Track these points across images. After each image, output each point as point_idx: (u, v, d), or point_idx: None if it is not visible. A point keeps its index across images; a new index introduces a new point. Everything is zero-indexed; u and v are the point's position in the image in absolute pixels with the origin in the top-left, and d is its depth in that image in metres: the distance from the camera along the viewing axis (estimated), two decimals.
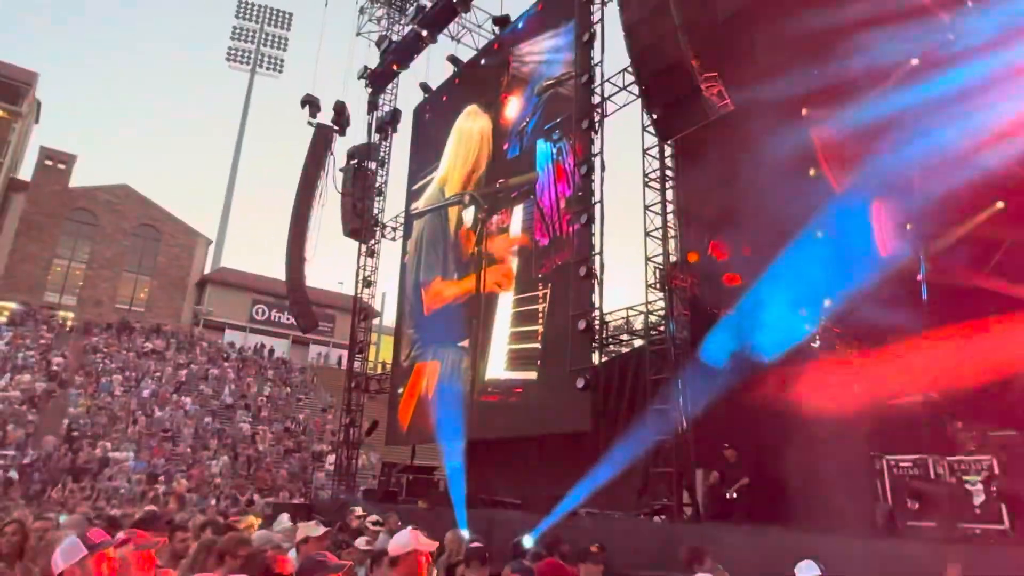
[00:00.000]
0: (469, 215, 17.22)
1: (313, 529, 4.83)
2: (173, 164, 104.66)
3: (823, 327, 12.59)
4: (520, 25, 17.21)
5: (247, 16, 54.07)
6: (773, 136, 11.27)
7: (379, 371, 24.51)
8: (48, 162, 36.45)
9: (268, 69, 54.89)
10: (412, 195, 20.36)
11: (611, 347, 13.62)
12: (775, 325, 11.38)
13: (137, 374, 27.79)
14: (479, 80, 18.52)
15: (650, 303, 11.65)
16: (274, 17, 54.78)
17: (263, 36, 54.39)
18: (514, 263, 15.17)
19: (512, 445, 14.77)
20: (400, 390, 18.51)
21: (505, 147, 16.54)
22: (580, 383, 11.90)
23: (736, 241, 12.12)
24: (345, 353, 26.96)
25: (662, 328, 11.35)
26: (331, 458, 23.97)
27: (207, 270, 41.86)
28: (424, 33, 20.28)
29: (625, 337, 13.32)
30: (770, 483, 9.72)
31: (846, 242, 10.48)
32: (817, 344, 12.83)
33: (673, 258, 11.56)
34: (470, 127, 18.62)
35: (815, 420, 9.07)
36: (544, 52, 15.86)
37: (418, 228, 19.59)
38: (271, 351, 37.20)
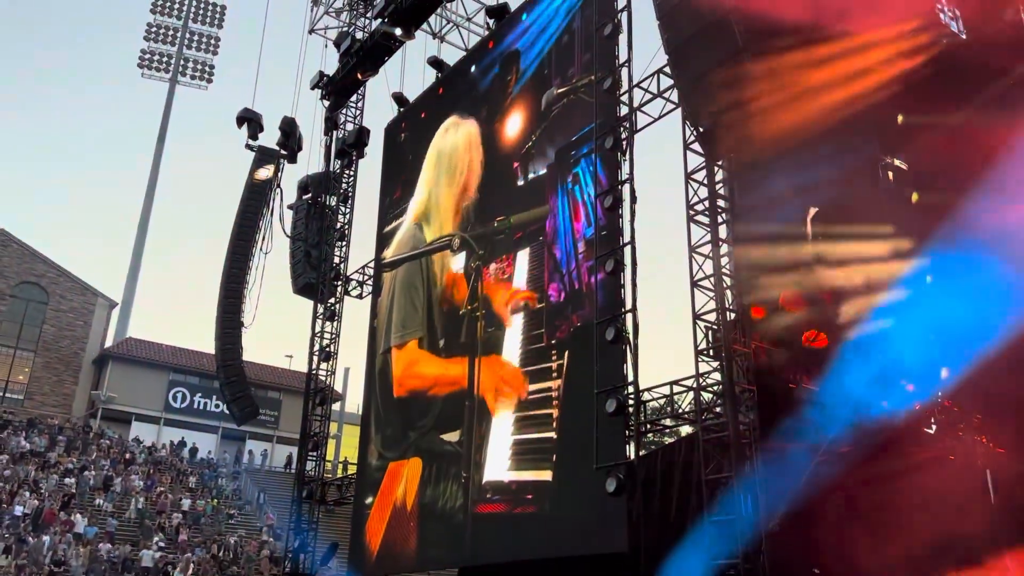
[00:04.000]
0: (459, 263, 17.45)
1: None
2: (66, 204, 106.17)
3: (939, 405, 12.61)
4: (523, 17, 17.82)
5: (165, 9, 55.72)
6: (861, 149, 11.55)
7: (340, 474, 24.28)
8: None
9: (193, 78, 56.22)
10: (384, 239, 20.66)
11: (650, 435, 13.59)
12: (871, 403, 11.40)
13: (11, 485, 27.55)
14: (469, 89, 19.06)
15: (702, 376, 11.70)
16: (201, 10, 56.38)
17: (187, 35, 55.97)
18: (519, 326, 15.28)
19: (523, 574, 14.55)
20: (368, 500, 18.36)
21: (505, 175, 16.89)
22: (611, 485, 11.84)
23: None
24: (294, 451, 26.79)
25: (719, 409, 11.35)
26: None
27: (109, 342, 41.94)
28: (397, 30, 20.94)
29: (669, 422, 13.29)
30: None
31: (970, 286, 10.58)
32: (933, 429, 12.83)
33: (732, 315, 11.66)
34: (453, 141, 19.09)
35: (937, 530, 9.01)
36: (554, 51, 16.37)
37: (389, 282, 19.82)
38: (193, 450, 36.91)
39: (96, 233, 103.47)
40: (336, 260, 22.16)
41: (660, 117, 13.88)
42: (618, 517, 11.95)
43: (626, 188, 13.35)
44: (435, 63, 20.95)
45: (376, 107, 25.09)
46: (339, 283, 21.97)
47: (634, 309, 12.69)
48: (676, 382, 12.73)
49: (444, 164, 19.23)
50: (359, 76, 22.20)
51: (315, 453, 20.93)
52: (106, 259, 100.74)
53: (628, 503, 11.97)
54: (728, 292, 11.73)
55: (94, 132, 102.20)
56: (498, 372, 15.47)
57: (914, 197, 12.63)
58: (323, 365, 21.34)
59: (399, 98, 21.91)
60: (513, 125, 17.02)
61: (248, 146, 23.00)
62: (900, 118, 12.04)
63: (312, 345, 21.51)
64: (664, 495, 12.50)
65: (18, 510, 25.80)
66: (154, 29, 55.59)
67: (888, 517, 10.72)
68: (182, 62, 56.00)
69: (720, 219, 12.15)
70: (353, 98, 23.20)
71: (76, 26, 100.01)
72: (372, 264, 21.21)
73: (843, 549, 10.71)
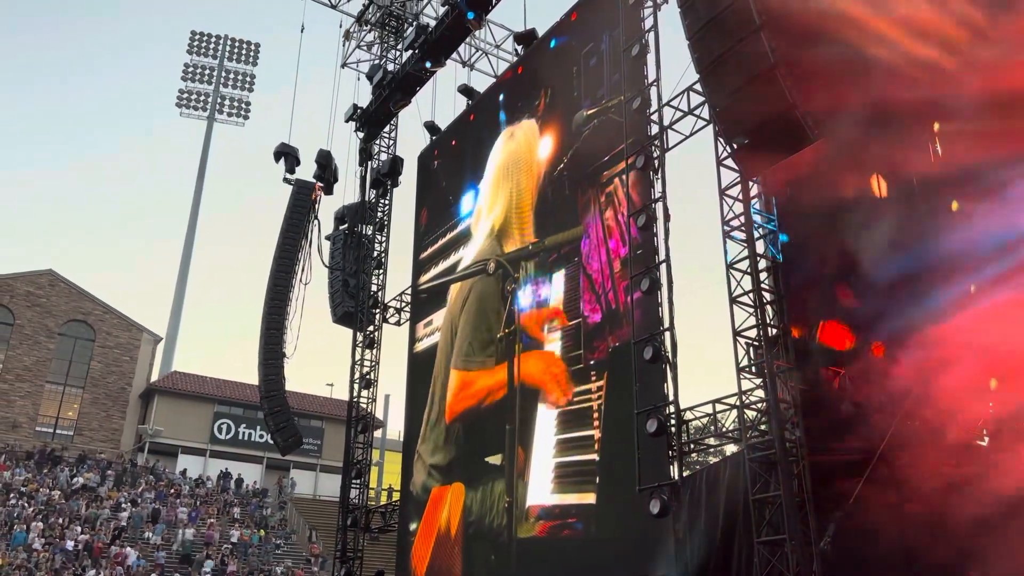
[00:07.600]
0: (494, 287, 17.44)
1: None
2: (110, 243, 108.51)
3: (991, 416, 12.25)
4: (551, 43, 17.90)
5: (201, 50, 56.91)
6: (897, 160, 11.39)
7: (384, 501, 24.27)
8: None
9: (230, 115, 57.24)
10: (420, 265, 20.74)
11: (694, 455, 13.39)
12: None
13: (63, 520, 27.94)
14: (499, 116, 19.13)
15: (745, 393, 11.52)
16: (236, 50, 57.56)
17: (223, 74, 57.11)
18: (556, 348, 15.21)
19: None
20: (413, 526, 18.31)
21: (538, 197, 16.90)
22: (655, 507, 11.67)
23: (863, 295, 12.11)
24: (338, 479, 26.84)
25: (764, 427, 11.16)
26: None
27: (155, 376, 42.53)
28: (428, 61, 21.14)
29: (712, 441, 13.09)
30: None
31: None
32: (986, 441, 12.47)
33: (773, 330, 11.49)
34: (518, 140, 18.40)
35: (994, 544, 8.75)
36: (583, 73, 16.40)
37: (460, 294, 19.03)
38: (239, 480, 37.18)
39: (140, 270, 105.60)
40: (374, 288, 22.34)
41: (691, 135, 13.81)
42: (664, 539, 11.79)
43: (659, 206, 13.31)
44: (465, 91, 21.14)
45: (409, 136, 25.44)
46: (377, 311, 22.12)
47: (672, 328, 12.60)
48: (719, 400, 12.53)
49: (520, 163, 18.13)
50: (392, 107, 22.44)
51: (358, 481, 20.98)
52: (150, 295, 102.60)
53: (673, 524, 11.80)
54: (769, 308, 11.57)
55: (136, 171, 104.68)
56: (543, 362, 15.40)
57: (954, 206, 12.43)
58: (364, 393, 21.46)
59: (431, 126, 22.14)
60: (544, 147, 17.05)
61: (286, 179, 23.33)
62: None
63: (352, 373, 21.65)
64: (710, 516, 12.26)
65: (69, 544, 26.14)
66: (191, 69, 56.84)
67: (941, 532, 10.42)
68: (219, 100, 57.11)
69: (756, 235, 12.01)
70: (386, 128, 23.49)
71: (116, 70, 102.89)
72: (409, 291, 21.31)
73: (896, 567, 10.43)
